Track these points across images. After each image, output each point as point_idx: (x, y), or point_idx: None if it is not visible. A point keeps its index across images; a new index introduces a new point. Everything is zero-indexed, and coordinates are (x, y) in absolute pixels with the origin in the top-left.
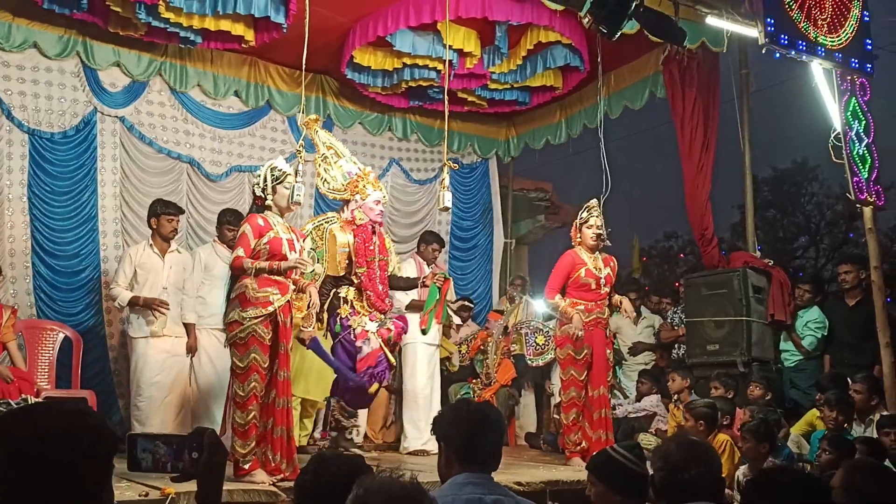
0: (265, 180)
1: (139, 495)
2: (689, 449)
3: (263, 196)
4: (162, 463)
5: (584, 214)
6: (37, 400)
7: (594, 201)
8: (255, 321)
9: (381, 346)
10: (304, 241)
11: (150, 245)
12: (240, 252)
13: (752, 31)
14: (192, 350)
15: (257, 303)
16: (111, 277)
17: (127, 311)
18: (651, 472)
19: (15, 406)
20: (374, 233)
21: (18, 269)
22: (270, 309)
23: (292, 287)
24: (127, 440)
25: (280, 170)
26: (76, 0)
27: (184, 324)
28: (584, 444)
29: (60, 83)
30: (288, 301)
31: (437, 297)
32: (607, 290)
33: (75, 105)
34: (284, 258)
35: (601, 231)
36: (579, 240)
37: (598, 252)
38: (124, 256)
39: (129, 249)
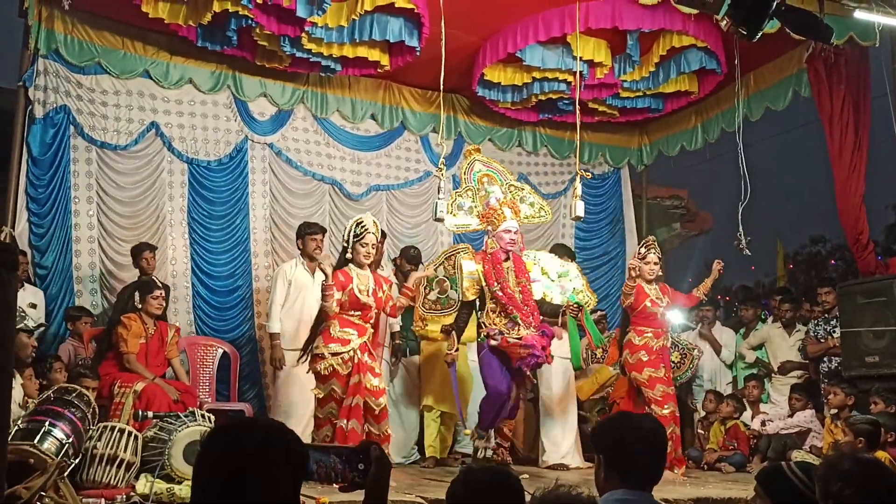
0: (348, 234)
1: None
2: (875, 467)
3: (346, 247)
4: (332, 474)
5: (643, 250)
6: (202, 412)
7: (652, 237)
8: (336, 357)
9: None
10: (388, 286)
11: (302, 263)
12: (328, 302)
13: None
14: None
15: (338, 340)
16: (263, 296)
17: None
18: (825, 490)
19: (184, 418)
20: (507, 259)
21: (180, 290)
22: (348, 347)
23: (370, 329)
24: None
25: (364, 227)
26: (227, 37)
27: None
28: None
29: (214, 115)
30: (365, 342)
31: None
32: (666, 318)
33: (228, 134)
34: (366, 307)
35: (658, 265)
36: (638, 273)
37: (655, 283)
38: (278, 275)
39: (283, 266)
